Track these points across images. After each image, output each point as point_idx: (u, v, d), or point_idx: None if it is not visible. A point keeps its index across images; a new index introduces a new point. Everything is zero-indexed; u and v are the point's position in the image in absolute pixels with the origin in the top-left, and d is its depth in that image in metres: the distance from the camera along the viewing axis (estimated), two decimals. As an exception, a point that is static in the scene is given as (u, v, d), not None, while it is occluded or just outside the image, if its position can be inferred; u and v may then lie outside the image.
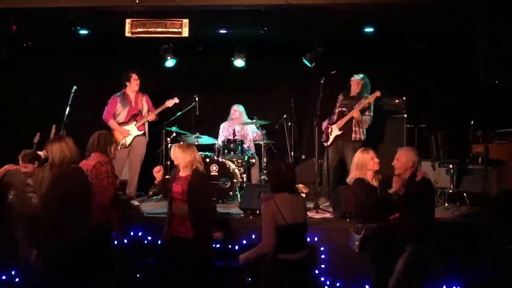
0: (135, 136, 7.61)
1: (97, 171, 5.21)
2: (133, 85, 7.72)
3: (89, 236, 4.47)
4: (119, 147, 7.41)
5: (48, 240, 4.38)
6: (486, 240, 5.83)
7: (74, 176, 4.57)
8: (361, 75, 7.44)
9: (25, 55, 8.57)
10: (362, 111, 7.19)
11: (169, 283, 5.42)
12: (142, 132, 7.69)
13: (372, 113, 7.30)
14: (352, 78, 7.45)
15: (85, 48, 8.58)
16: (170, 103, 7.82)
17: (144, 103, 7.80)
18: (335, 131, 7.30)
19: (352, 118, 7.20)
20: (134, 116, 7.67)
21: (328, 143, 7.36)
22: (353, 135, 7.21)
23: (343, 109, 7.35)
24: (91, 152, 5.33)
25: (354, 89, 7.42)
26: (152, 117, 7.70)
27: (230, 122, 8.55)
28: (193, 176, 5.39)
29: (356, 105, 7.20)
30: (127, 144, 7.56)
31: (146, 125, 7.78)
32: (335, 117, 7.41)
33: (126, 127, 7.62)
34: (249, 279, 5.91)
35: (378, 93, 7.17)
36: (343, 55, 8.40)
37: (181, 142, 6.22)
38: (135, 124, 7.66)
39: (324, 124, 7.45)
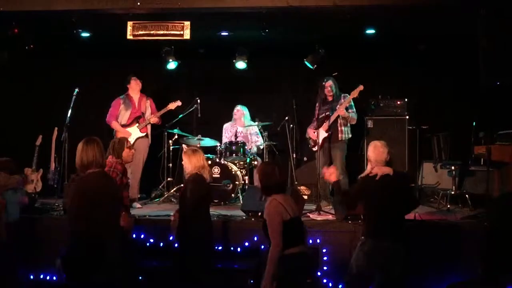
0: (136, 138, 7.62)
1: (114, 169, 5.43)
2: (133, 87, 7.77)
3: (108, 239, 4.46)
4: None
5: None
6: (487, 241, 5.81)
7: (92, 181, 4.53)
8: (325, 79, 7.46)
9: (27, 57, 8.58)
10: (346, 109, 7.29)
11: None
12: (144, 134, 7.71)
13: (355, 109, 7.41)
14: (325, 84, 7.46)
15: (87, 50, 8.61)
16: (172, 105, 7.85)
17: (148, 107, 7.84)
18: (322, 134, 7.32)
19: (337, 118, 7.29)
20: (137, 119, 7.71)
21: (316, 147, 7.39)
22: (339, 135, 7.33)
23: (326, 113, 7.42)
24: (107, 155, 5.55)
25: (328, 94, 7.49)
26: (155, 119, 7.74)
27: (233, 123, 8.55)
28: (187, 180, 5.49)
29: (338, 105, 7.28)
30: None
31: (149, 127, 7.81)
32: (317, 123, 7.43)
33: (128, 129, 7.64)
34: (251, 281, 5.90)
35: (361, 87, 7.18)
36: (344, 56, 8.41)
37: (187, 147, 6.20)
38: (137, 126, 7.69)
39: (309, 131, 7.53)
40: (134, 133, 7.66)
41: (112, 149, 5.71)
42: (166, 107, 7.84)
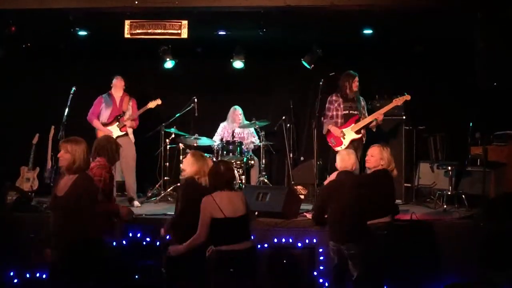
0: (117, 137, 7.59)
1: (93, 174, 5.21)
2: (116, 85, 7.78)
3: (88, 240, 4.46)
4: None
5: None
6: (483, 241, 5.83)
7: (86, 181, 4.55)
8: (353, 73, 7.36)
9: (24, 56, 8.56)
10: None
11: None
12: (124, 133, 7.68)
13: None
14: (354, 79, 7.32)
15: (84, 49, 8.59)
16: (152, 104, 7.82)
17: (130, 107, 7.80)
18: (350, 134, 7.17)
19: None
20: (117, 118, 7.68)
21: (343, 146, 7.09)
22: (364, 138, 7.27)
23: (354, 112, 7.28)
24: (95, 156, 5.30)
25: (354, 89, 7.31)
26: (131, 123, 7.70)
27: (231, 123, 8.52)
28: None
29: (362, 107, 7.30)
30: None
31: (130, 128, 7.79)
32: (340, 120, 7.26)
33: (109, 128, 7.64)
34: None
35: (408, 97, 7.20)
36: (341, 57, 8.41)
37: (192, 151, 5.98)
38: (117, 125, 7.67)
39: (332, 128, 7.21)
40: (115, 131, 7.64)
41: (103, 149, 5.21)
42: (146, 106, 7.80)
